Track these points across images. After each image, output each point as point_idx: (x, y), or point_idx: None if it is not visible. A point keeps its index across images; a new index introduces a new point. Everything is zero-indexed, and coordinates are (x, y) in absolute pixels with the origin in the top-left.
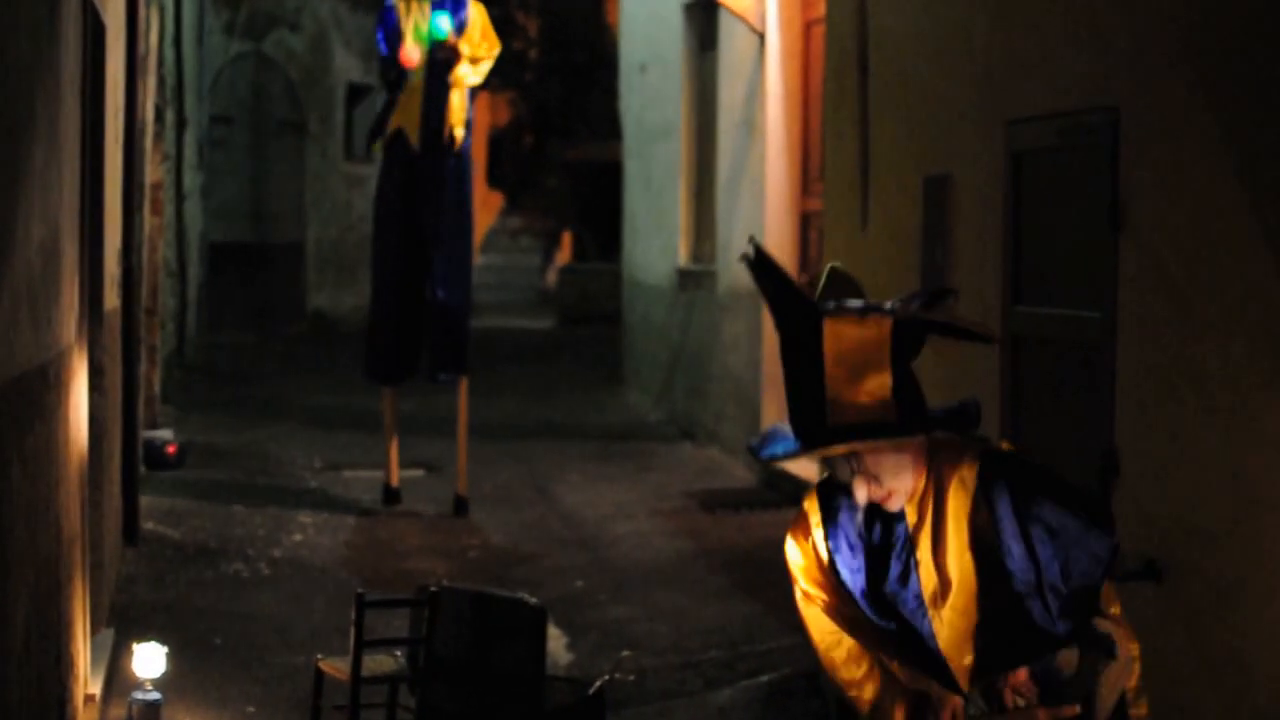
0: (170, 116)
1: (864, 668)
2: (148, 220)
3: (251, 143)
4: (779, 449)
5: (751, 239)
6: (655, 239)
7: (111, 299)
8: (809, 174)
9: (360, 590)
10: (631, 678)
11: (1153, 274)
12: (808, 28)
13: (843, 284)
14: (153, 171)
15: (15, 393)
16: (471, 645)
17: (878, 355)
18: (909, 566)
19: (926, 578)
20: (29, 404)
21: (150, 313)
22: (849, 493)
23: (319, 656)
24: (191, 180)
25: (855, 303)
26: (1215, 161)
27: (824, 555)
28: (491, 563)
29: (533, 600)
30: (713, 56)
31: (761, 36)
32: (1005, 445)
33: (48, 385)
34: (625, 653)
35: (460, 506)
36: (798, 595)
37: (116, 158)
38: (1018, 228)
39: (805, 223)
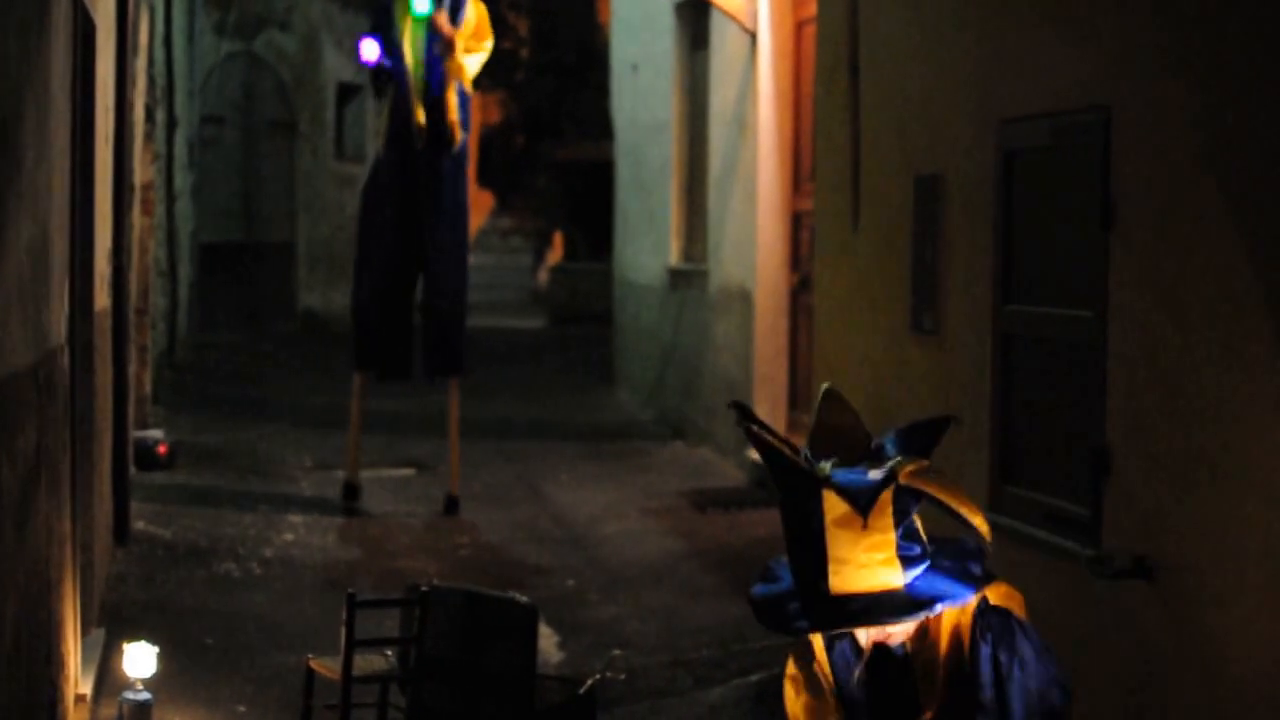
0: (161, 116)
1: None
2: (138, 220)
3: (242, 142)
4: (792, 625)
5: (734, 403)
6: (646, 238)
7: (102, 299)
8: (800, 173)
9: (351, 590)
10: (622, 676)
11: (1144, 273)
12: (799, 27)
13: (838, 408)
14: (143, 171)
15: (5, 393)
16: (462, 644)
17: (880, 522)
18: (904, 687)
19: (925, 696)
20: (19, 404)
21: (141, 312)
22: None
23: (310, 656)
24: (182, 180)
25: (859, 480)
26: (1206, 161)
27: (829, 676)
28: (482, 562)
29: (524, 599)
30: (704, 56)
31: (753, 36)
32: (1001, 591)
33: (38, 385)
34: (616, 651)
35: (451, 506)
36: None
37: (107, 157)
38: (1009, 227)
39: (797, 222)
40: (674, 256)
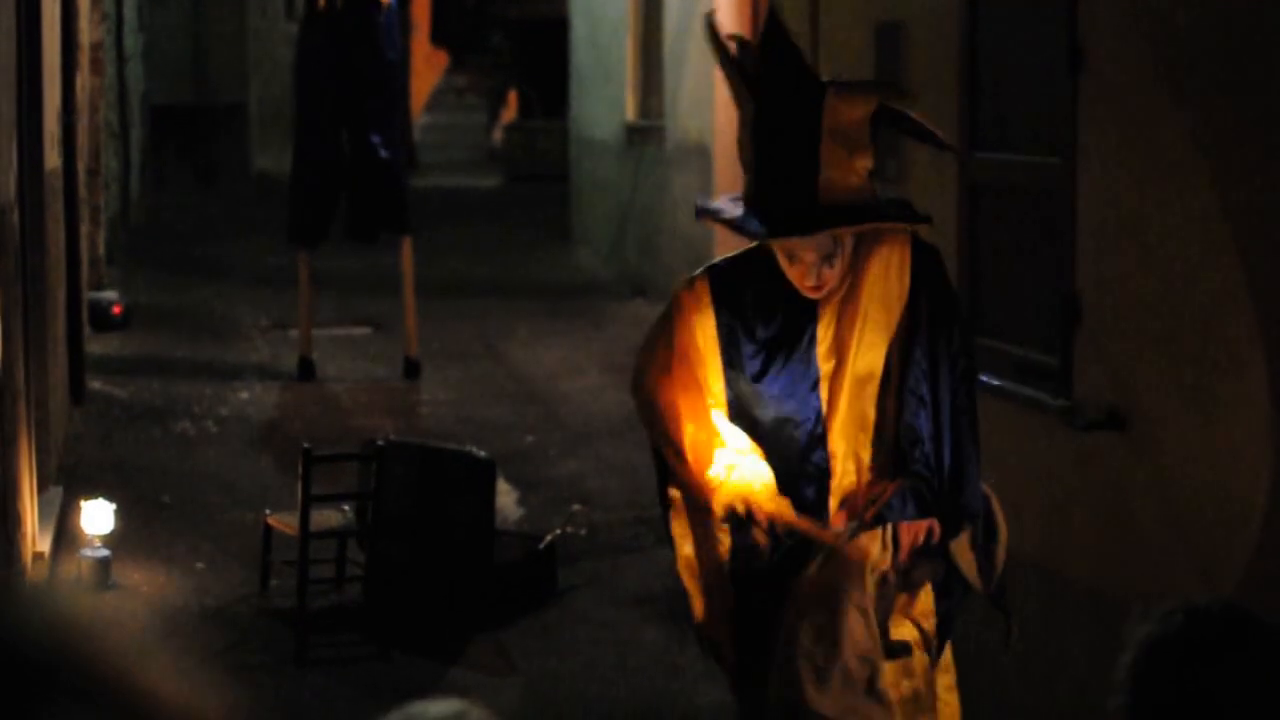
0: None
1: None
2: (88, 81)
3: (192, 3)
4: (750, 226)
5: (708, 21)
6: (602, 95)
7: (52, 158)
8: (758, 27)
9: (307, 445)
10: (582, 532)
11: (1114, 117)
12: None
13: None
14: (92, 31)
15: None
16: (420, 500)
17: (864, 134)
18: (810, 350)
19: (824, 359)
20: None
21: (93, 173)
22: (742, 279)
23: (267, 512)
24: (132, 41)
25: (848, 79)
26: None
27: (710, 341)
28: (440, 419)
29: (481, 453)
30: None
31: None
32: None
33: None
34: (576, 507)
35: (410, 369)
36: (667, 454)
37: (54, 16)
38: (974, 74)
39: None
40: (630, 112)
